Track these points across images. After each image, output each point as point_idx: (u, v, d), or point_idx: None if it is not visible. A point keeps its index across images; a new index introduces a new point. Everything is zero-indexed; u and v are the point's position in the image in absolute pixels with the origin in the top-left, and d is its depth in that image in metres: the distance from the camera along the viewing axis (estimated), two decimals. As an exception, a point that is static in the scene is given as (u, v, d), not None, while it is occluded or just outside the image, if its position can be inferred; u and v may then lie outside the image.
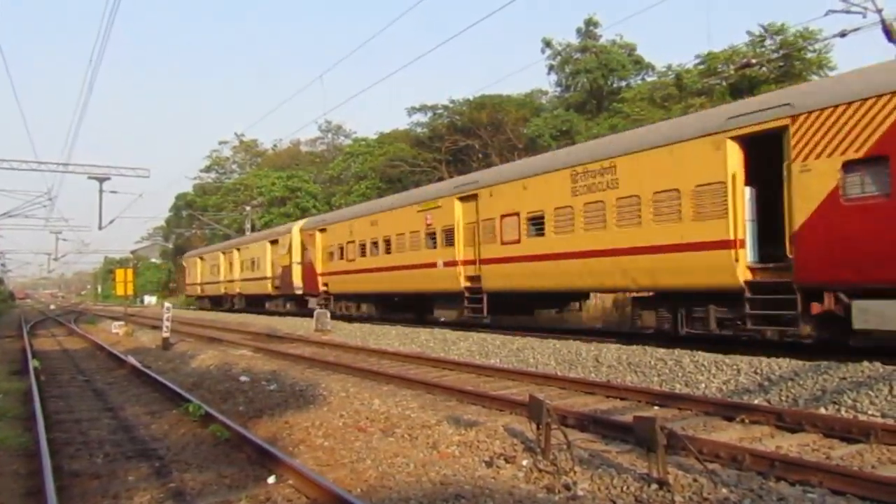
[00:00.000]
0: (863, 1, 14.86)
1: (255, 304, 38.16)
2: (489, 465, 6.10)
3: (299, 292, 29.46)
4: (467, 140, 43.36)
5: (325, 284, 27.16)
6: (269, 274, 33.80)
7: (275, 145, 76.70)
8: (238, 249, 39.93)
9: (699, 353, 11.29)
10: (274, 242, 33.27)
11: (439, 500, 5.15)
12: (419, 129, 47.92)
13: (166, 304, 21.90)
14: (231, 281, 40.84)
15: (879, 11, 14.49)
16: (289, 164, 67.97)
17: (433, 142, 45.29)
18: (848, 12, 15.21)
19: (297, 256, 29.65)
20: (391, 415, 8.19)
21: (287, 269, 30.47)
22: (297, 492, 5.67)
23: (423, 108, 46.72)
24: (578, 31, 42.79)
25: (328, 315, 23.44)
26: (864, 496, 5.23)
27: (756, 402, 8.77)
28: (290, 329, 25.03)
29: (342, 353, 17.33)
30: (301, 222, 31.70)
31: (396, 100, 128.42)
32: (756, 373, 9.66)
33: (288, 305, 32.09)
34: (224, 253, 42.89)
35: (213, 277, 45.00)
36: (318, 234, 27.87)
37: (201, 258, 48.86)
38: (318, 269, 27.43)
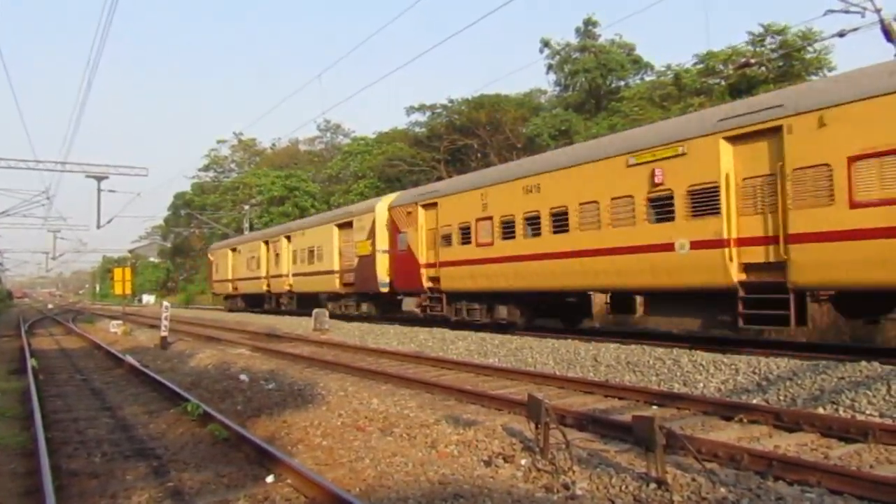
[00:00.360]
0: (861, 1, 14.89)
1: (311, 304, 31.09)
2: (488, 464, 6.10)
3: (385, 290, 22.74)
4: (466, 139, 43.38)
5: (434, 279, 20.04)
6: (335, 267, 26.46)
7: (273, 144, 76.83)
8: (288, 237, 32.09)
9: (698, 352, 11.31)
10: (345, 226, 26.07)
11: (438, 500, 5.15)
12: (418, 129, 47.96)
13: (164, 304, 21.88)
14: (278, 276, 32.97)
15: (878, 11, 14.51)
16: (287, 164, 67.99)
17: (432, 141, 45.31)
18: (847, 12, 15.23)
19: (382, 243, 22.69)
20: (390, 414, 8.19)
21: (367, 260, 23.45)
22: (295, 491, 5.67)
23: (421, 108, 46.80)
24: (577, 30, 42.86)
25: (326, 314, 23.38)
26: (862, 496, 5.23)
27: (754, 401, 8.78)
28: (288, 328, 25.01)
29: (341, 352, 17.33)
30: (390, 197, 24.24)
31: (395, 99, 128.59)
32: (754, 372, 9.67)
33: (365, 306, 25.11)
34: (268, 242, 35.05)
35: (250, 272, 37.00)
36: (420, 212, 20.64)
37: (234, 250, 40.51)
38: (422, 258, 20.34)
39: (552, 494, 5.27)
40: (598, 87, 40.93)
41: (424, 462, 6.18)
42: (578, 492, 5.26)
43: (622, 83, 41.04)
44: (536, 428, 6.13)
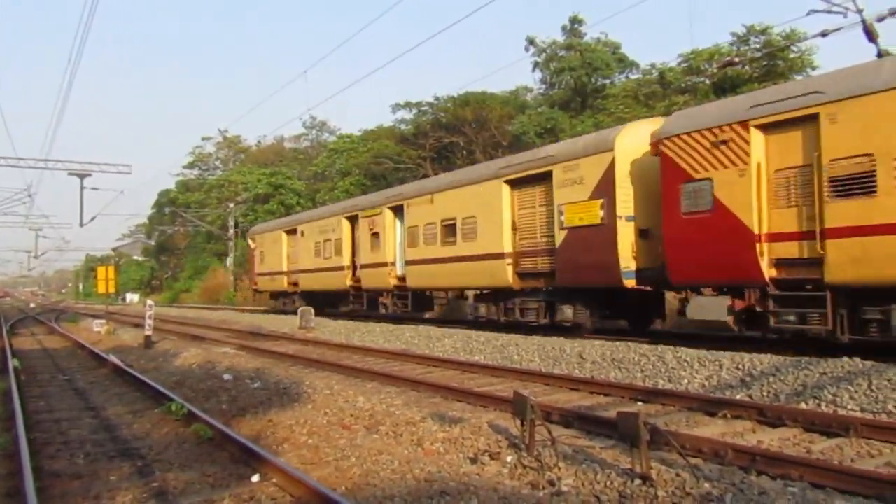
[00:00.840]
0: (844, 1, 15.02)
1: (438, 306, 22.87)
2: (474, 461, 6.11)
3: (631, 282, 13.71)
4: (452, 137, 43.33)
5: (790, 264, 11.02)
6: (505, 247, 16.74)
7: (258, 142, 76.45)
8: (398, 208, 21.78)
9: (682, 348, 11.37)
10: (526, 183, 16.33)
11: (424, 498, 5.15)
12: (404, 126, 47.85)
13: (149, 302, 21.72)
14: (377, 266, 22.57)
15: (860, 12, 14.64)
16: (273, 161, 67.69)
17: (417, 139, 45.22)
18: (829, 12, 15.36)
19: (626, 204, 13.78)
20: (375, 412, 8.18)
21: (590, 235, 14.30)
22: (281, 490, 5.65)
23: (407, 105, 46.65)
24: (563, 28, 42.97)
25: (312, 312, 23.24)
26: (844, 489, 5.30)
27: (738, 397, 8.86)
28: (274, 327, 24.92)
29: (326, 350, 17.30)
30: (650, 123, 14.61)
31: (381, 96, 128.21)
32: (738, 368, 9.75)
33: (569, 312, 15.13)
34: (356, 217, 24.35)
35: (323, 261, 26.66)
36: (758, 140, 11.38)
37: (292, 231, 30.13)
38: (759, 224, 11.21)
39: (538, 491, 5.28)
40: (583, 86, 41.03)
41: (410, 460, 6.18)
42: (564, 488, 5.27)
43: (607, 81, 41.18)
44: (522, 425, 6.14)
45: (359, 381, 12.04)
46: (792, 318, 10.96)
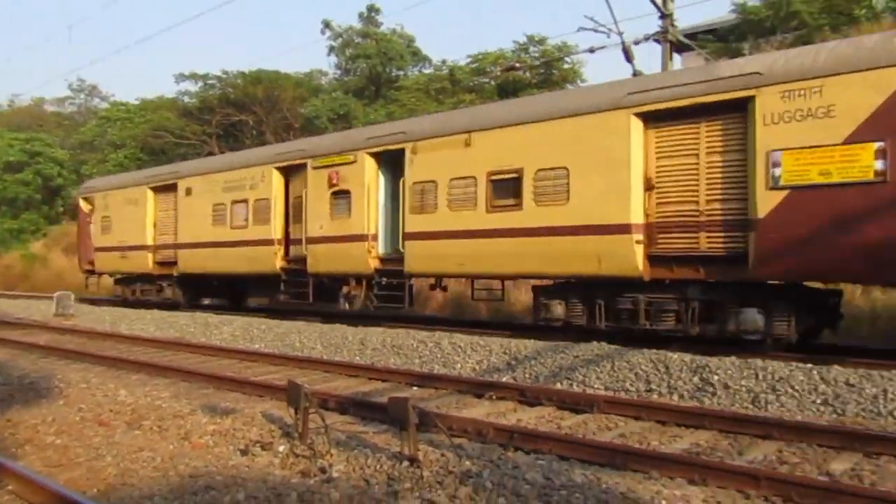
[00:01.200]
0: (609, 22, 16.82)
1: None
2: (244, 453, 5.95)
3: None
4: (240, 115, 41.38)
5: None
6: (629, 217, 10.71)
7: (12, 101, 66.93)
8: (382, 155, 14.60)
9: (457, 335, 12.01)
10: (671, 117, 10.46)
11: (187, 494, 4.91)
12: (187, 99, 44.76)
13: None
14: (344, 239, 14.96)
15: (620, 34, 16.48)
16: (30, 125, 59.60)
17: (203, 114, 42.53)
18: (595, 31, 17.11)
19: None
20: (139, 406, 7.62)
21: (838, 199, 8.87)
22: (18, 498, 5.06)
23: (192, 77, 43.65)
24: (360, 15, 43.02)
25: (71, 297, 20.90)
26: (584, 460, 5.96)
27: (504, 379, 9.58)
28: (23, 313, 22.02)
29: (87, 340, 15.69)
30: None
31: (163, 65, 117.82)
32: (506, 353, 10.52)
33: (768, 318, 9.72)
34: (296, 168, 16.55)
35: (223, 232, 18.17)
36: None
37: (163, 189, 20.87)
38: None
39: (308, 479, 5.28)
40: (377, 75, 41.43)
41: (175, 455, 5.86)
42: (335, 474, 5.33)
43: (401, 73, 41.99)
44: (296, 413, 6.10)
45: (122, 372, 11.11)
46: None
